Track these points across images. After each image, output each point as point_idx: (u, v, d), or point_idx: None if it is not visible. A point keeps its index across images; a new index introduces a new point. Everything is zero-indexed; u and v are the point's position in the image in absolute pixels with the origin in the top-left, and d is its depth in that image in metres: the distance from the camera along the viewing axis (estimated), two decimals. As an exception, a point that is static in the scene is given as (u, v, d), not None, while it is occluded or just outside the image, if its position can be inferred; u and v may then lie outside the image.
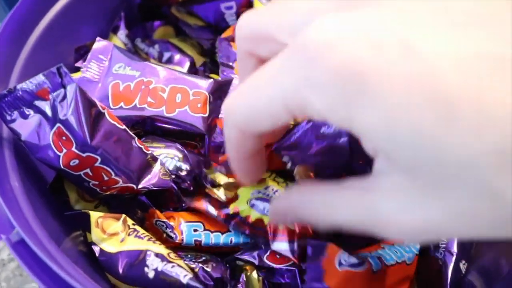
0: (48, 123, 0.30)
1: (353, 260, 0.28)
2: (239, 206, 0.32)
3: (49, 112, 0.30)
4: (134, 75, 0.35)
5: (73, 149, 0.30)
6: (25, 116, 0.30)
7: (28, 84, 0.30)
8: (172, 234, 0.33)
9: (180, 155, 0.34)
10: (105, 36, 0.42)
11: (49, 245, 0.27)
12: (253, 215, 0.32)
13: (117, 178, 0.32)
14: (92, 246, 0.31)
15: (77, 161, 0.30)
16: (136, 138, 0.33)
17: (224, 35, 0.41)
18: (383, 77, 0.18)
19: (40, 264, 0.26)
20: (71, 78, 0.29)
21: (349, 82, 0.18)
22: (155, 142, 0.35)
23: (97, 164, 0.31)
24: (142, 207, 0.34)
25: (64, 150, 0.30)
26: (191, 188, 0.33)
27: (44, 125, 0.30)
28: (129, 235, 0.31)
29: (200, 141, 0.36)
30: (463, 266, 0.32)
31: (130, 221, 0.32)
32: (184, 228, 0.33)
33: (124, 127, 0.32)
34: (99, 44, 0.36)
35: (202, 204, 0.33)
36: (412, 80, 0.17)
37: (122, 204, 0.34)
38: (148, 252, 0.30)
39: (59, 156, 0.30)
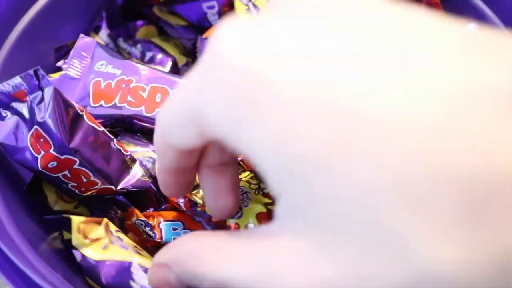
0: (26, 125, 0.30)
1: None
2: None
3: (26, 114, 0.30)
4: (115, 73, 0.35)
5: (51, 151, 0.30)
6: (1, 118, 0.30)
7: (5, 86, 0.30)
8: (151, 233, 0.33)
9: (154, 157, 0.34)
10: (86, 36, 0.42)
11: (25, 248, 0.27)
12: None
13: (96, 180, 0.32)
14: (73, 251, 0.31)
15: (55, 163, 0.30)
16: (115, 139, 0.33)
17: (205, 35, 0.41)
18: (277, 85, 0.15)
19: (16, 269, 0.26)
20: (48, 80, 0.29)
21: (240, 92, 0.16)
22: (131, 144, 0.35)
23: (75, 166, 0.31)
24: (121, 207, 0.34)
25: (42, 152, 0.30)
26: None
27: (22, 127, 0.30)
28: (112, 243, 0.31)
29: None
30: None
31: (113, 227, 0.32)
32: (164, 226, 0.33)
33: (102, 129, 0.32)
34: (81, 41, 0.36)
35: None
36: (309, 86, 0.15)
37: (102, 204, 0.34)
38: (134, 265, 0.30)
39: (37, 158, 0.30)
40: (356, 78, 0.15)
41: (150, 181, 0.34)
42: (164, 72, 0.37)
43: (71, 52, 0.36)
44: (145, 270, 0.30)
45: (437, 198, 0.13)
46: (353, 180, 0.14)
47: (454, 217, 0.14)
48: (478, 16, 0.38)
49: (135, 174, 0.34)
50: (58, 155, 0.30)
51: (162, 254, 0.22)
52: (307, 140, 0.15)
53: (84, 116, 0.31)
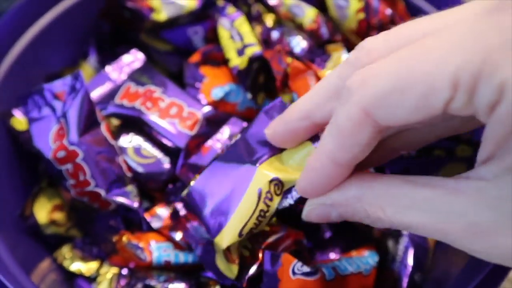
0: (56, 120, 0.34)
1: (306, 269, 0.30)
2: None
3: (60, 111, 0.34)
4: (146, 83, 0.39)
5: (64, 141, 0.33)
6: (40, 114, 0.34)
7: (51, 85, 0.35)
8: (142, 256, 0.34)
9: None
10: (75, 62, 0.43)
11: (18, 273, 0.28)
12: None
13: (90, 180, 0.34)
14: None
15: (63, 153, 0.33)
16: (119, 156, 0.35)
17: (191, 59, 0.42)
18: None
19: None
20: (84, 84, 0.34)
21: None
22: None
23: (78, 159, 0.33)
24: (114, 230, 0.35)
25: (57, 143, 0.33)
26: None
27: (53, 121, 0.34)
28: None
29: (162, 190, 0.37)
30: (418, 278, 0.34)
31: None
32: (154, 249, 0.35)
33: (114, 142, 0.35)
34: (132, 54, 0.41)
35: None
36: None
37: (94, 228, 0.35)
38: None
39: (50, 148, 0.34)
40: None
41: (137, 205, 0.35)
42: (185, 92, 0.40)
43: (120, 58, 0.40)
44: None
45: None
46: None
47: None
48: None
49: (127, 193, 0.35)
50: (67, 145, 0.33)
51: (326, 197, 0.23)
52: None
53: (102, 125, 0.34)
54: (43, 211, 0.35)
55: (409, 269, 0.33)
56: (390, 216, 0.20)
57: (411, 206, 0.20)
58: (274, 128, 0.27)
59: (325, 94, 0.24)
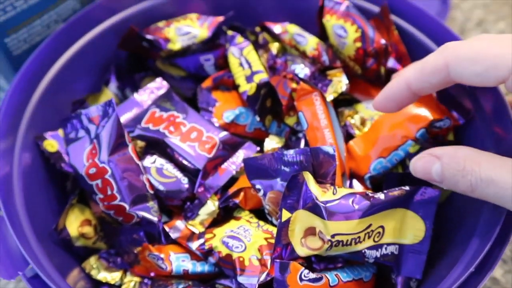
0: (90, 141, 0.38)
1: (312, 275, 0.33)
2: (213, 243, 0.37)
3: (93, 133, 0.39)
4: (170, 109, 0.43)
5: (96, 159, 0.38)
6: (77, 137, 0.39)
7: (87, 111, 0.39)
8: (163, 265, 0.38)
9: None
10: (97, 89, 0.47)
11: (59, 279, 0.32)
12: (224, 251, 0.37)
13: (117, 195, 0.38)
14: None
15: (94, 170, 0.38)
16: (144, 175, 0.39)
17: (203, 84, 0.46)
18: None
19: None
20: (115, 109, 0.38)
21: None
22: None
23: (106, 176, 0.38)
24: (137, 243, 0.38)
25: (90, 161, 0.38)
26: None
27: (87, 142, 0.39)
28: None
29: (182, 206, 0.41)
30: (413, 284, 0.37)
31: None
32: (173, 259, 0.38)
33: (139, 162, 0.39)
34: (158, 82, 0.45)
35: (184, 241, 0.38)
36: None
37: (119, 241, 0.39)
38: None
39: (84, 165, 0.38)
40: None
41: (157, 219, 0.39)
42: (207, 120, 0.43)
43: (147, 86, 0.45)
44: None
45: None
46: None
47: None
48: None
49: (148, 208, 0.39)
50: (98, 163, 0.38)
51: (437, 149, 0.33)
52: None
53: (129, 146, 0.39)
54: (74, 225, 0.39)
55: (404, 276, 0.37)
56: (483, 170, 0.29)
57: (502, 166, 0.29)
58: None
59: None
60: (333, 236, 0.34)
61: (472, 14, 0.63)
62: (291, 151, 0.35)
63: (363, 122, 0.44)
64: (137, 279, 0.39)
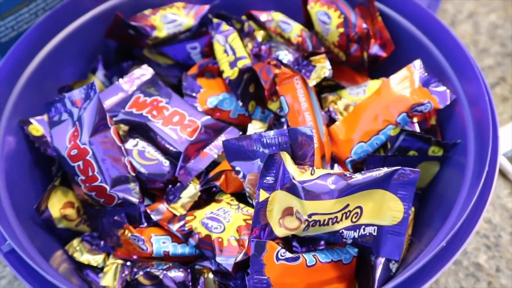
0: (72, 124, 0.39)
1: (288, 255, 0.34)
2: (193, 224, 0.38)
3: (76, 116, 0.39)
4: (154, 94, 0.44)
5: (77, 141, 0.38)
6: (61, 120, 0.40)
7: (71, 94, 0.40)
8: (143, 247, 0.38)
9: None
10: (85, 76, 0.48)
11: (37, 257, 0.33)
12: (203, 232, 0.37)
13: (98, 176, 0.38)
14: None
15: (76, 151, 0.38)
16: (126, 157, 0.39)
17: (189, 71, 0.47)
18: None
19: (30, 271, 0.31)
20: (97, 92, 0.39)
21: None
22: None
23: (88, 157, 0.38)
24: (118, 225, 0.39)
25: (72, 143, 0.38)
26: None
27: (70, 125, 0.39)
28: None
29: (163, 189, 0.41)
30: (392, 266, 0.37)
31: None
32: (154, 240, 0.38)
33: (121, 144, 0.39)
34: (143, 69, 0.45)
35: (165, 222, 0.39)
36: None
37: (101, 224, 0.40)
38: None
39: (66, 147, 0.39)
40: None
41: (138, 201, 0.39)
42: (190, 104, 0.44)
43: (132, 72, 0.45)
44: None
45: None
46: None
47: None
48: (423, 51, 0.44)
49: (129, 189, 0.39)
50: (80, 144, 0.38)
51: None
52: None
53: (111, 129, 0.39)
54: (56, 207, 0.39)
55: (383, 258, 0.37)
56: None
57: None
58: None
59: None
60: (310, 215, 0.34)
61: (463, 6, 0.64)
62: (271, 133, 0.35)
63: (346, 108, 0.45)
64: (119, 261, 0.39)
